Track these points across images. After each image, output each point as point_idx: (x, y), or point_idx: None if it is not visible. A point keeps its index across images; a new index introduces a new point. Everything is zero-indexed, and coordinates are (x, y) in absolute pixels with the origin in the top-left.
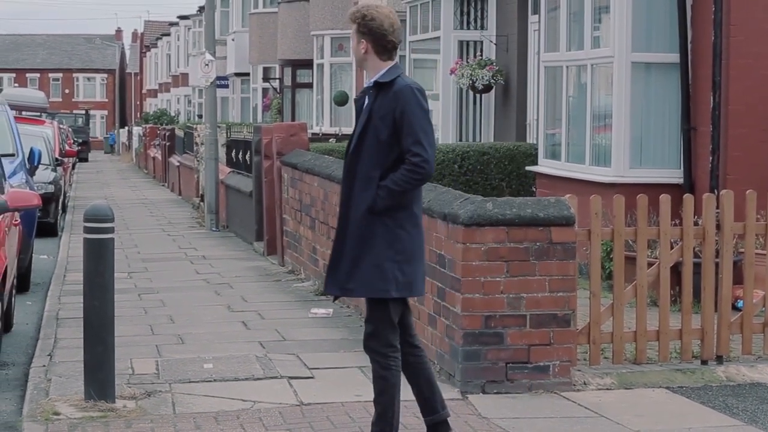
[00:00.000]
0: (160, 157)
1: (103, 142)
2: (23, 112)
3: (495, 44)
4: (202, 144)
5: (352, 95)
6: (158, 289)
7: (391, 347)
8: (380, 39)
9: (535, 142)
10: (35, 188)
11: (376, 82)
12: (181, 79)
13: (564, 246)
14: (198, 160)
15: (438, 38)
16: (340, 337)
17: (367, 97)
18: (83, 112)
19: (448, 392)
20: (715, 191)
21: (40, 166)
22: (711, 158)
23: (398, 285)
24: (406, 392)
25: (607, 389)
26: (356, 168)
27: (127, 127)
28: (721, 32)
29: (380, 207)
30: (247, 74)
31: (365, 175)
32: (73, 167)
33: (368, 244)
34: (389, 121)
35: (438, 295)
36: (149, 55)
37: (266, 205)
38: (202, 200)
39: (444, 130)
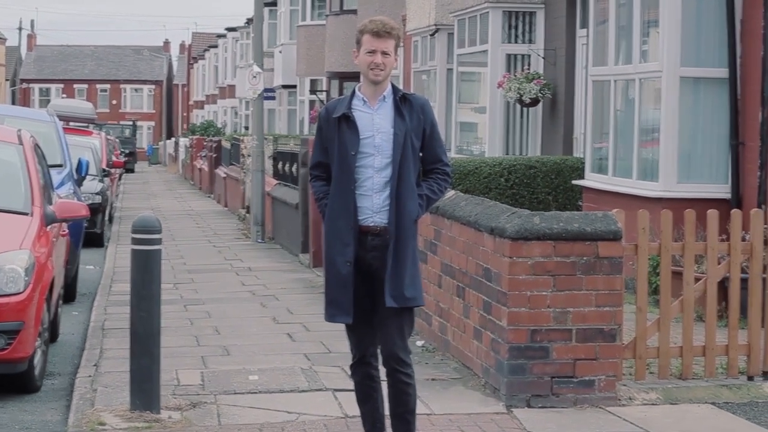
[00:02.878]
0: (206, 169)
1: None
2: (71, 123)
3: (543, 58)
4: (248, 156)
5: None
6: (204, 301)
7: None
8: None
9: (582, 156)
10: (82, 199)
11: (404, 96)
12: (228, 91)
13: (611, 261)
14: (244, 172)
15: (486, 51)
16: None
17: (378, 109)
18: (130, 123)
19: (493, 406)
20: (763, 207)
21: (87, 176)
22: (759, 173)
23: None
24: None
25: (653, 404)
26: (403, 177)
27: (173, 139)
28: None
29: (422, 215)
30: (294, 86)
31: (411, 186)
32: (120, 178)
33: (415, 253)
34: (420, 132)
35: (484, 308)
36: (196, 67)
37: (312, 217)
38: (248, 212)
39: (491, 144)
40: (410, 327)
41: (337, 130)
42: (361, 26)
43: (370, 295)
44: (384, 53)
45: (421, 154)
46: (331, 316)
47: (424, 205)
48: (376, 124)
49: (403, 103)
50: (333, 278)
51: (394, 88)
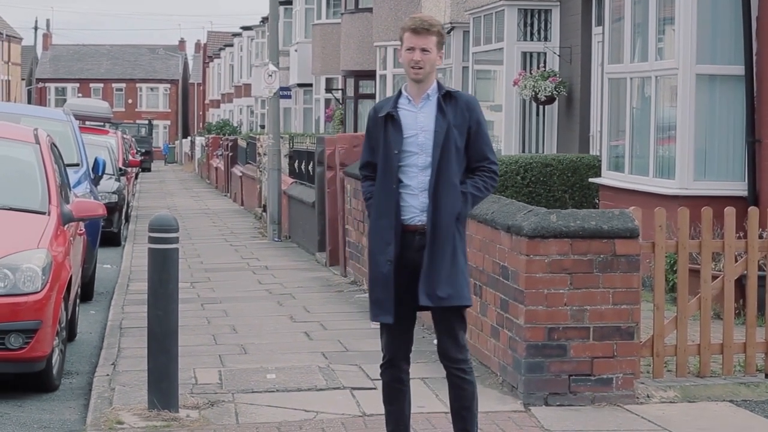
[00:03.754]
0: (222, 167)
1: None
2: (87, 122)
3: (558, 56)
4: (264, 154)
5: None
6: (221, 299)
7: None
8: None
9: (598, 153)
10: (99, 198)
11: (448, 92)
12: (244, 90)
13: (628, 258)
14: (261, 171)
15: (501, 49)
16: None
17: (422, 107)
18: (146, 122)
19: (510, 404)
20: None
21: (104, 176)
22: None
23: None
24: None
25: (671, 402)
26: (441, 176)
27: (189, 137)
28: None
29: (466, 214)
30: (310, 85)
31: (452, 183)
32: (136, 177)
33: (456, 251)
34: (464, 130)
35: (501, 306)
36: (212, 66)
37: (329, 215)
38: (265, 210)
39: (507, 142)
40: (461, 325)
41: (383, 129)
42: (402, 24)
43: (416, 295)
44: (423, 50)
45: (466, 152)
46: (374, 315)
47: (469, 202)
48: (419, 123)
49: (447, 100)
50: (376, 277)
51: (440, 86)
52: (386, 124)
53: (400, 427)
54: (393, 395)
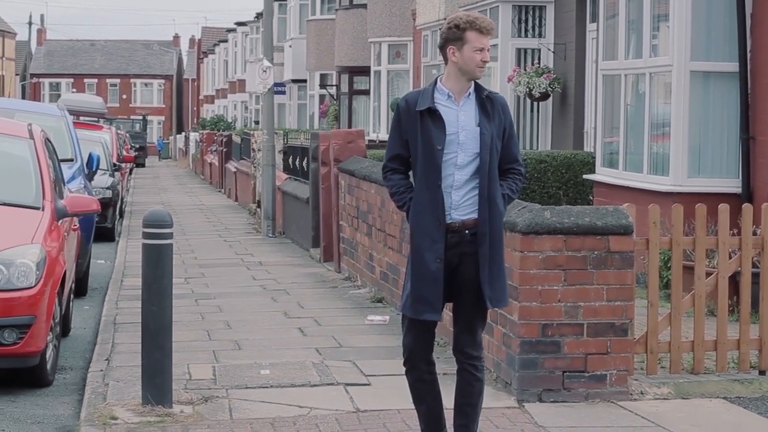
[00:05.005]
0: (216, 163)
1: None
2: (81, 118)
3: (553, 52)
4: (259, 150)
5: None
6: (215, 295)
7: None
8: None
9: (592, 150)
10: (93, 193)
11: (488, 95)
12: (238, 86)
13: (622, 255)
14: (255, 167)
15: (495, 46)
16: (397, 344)
17: (462, 105)
18: (140, 117)
19: (504, 400)
20: None
21: (98, 171)
22: None
23: None
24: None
25: (665, 399)
26: (492, 177)
27: (183, 133)
28: None
29: (504, 215)
30: (304, 81)
31: (498, 185)
32: (131, 172)
33: (502, 253)
34: (500, 132)
35: None
36: (206, 61)
37: (323, 211)
38: (259, 206)
39: None
40: (482, 323)
41: (419, 123)
42: (457, 21)
43: (446, 293)
44: (487, 50)
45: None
46: (418, 312)
47: (506, 204)
48: (461, 121)
49: (488, 102)
50: (422, 275)
51: (477, 85)
52: (423, 119)
53: (431, 426)
54: (419, 396)
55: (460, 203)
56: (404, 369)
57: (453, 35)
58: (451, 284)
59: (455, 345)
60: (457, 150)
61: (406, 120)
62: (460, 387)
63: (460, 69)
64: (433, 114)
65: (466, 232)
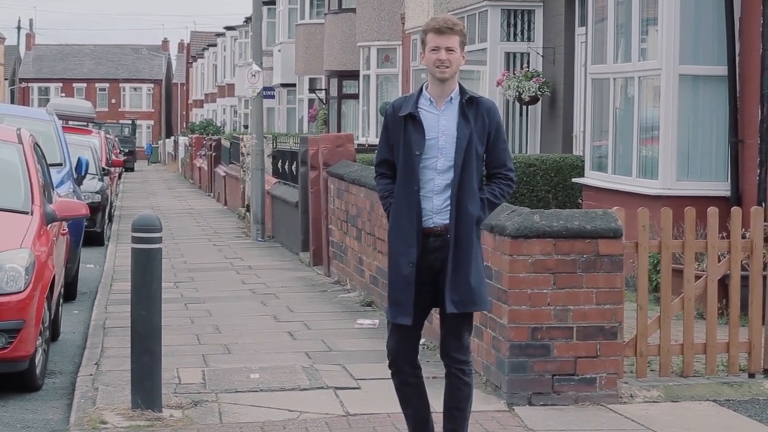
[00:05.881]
0: (206, 167)
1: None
2: (70, 122)
3: (542, 56)
4: (248, 154)
5: None
6: (204, 299)
7: None
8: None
9: (581, 154)
10: (82, 198)
11: (471, 98)
12: (228, 90)
13: (611, 258)
14: (244, 171)
15: (485, 50)
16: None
17: (444, 110)
18: (129, 122)
19: (494, 404)
20: (763, 204)
21: (87, 175)
22: (759, 171)
23: None
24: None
25: (654, 402)
26: (464, 182)
27: (173, 137)
28: None
29: (484, 220)
30: (294, 85)
31: (472, 189)
32: (120, 177)
33: (475, 257)
34: (484, 136)
35: None
36: (195, 66)
37: (312, 215)
38: (248, 210)
39: None
40: (468, 327)
41: (402, 129)
42: (423, 26)
43: (429, 297)
44: (449, 50)
45: (484, 158)
46: (393, 316)
47: (486, 209)
48: (441, 126)
49: (469, 105)
50: (396, 279)
51: (462, 90)
52: (406, 124)
53: (419, 429)
54: (405, 399)
55: (442, 208)
56: (390, 372)
57: (422, 39)
58: (435, 289)
59: (442, 349)
60: (437, 155)
61: (392, 125)
62: (448, 391)
63: (429, 71)
64: (413, 119)
65: (448, 236)
